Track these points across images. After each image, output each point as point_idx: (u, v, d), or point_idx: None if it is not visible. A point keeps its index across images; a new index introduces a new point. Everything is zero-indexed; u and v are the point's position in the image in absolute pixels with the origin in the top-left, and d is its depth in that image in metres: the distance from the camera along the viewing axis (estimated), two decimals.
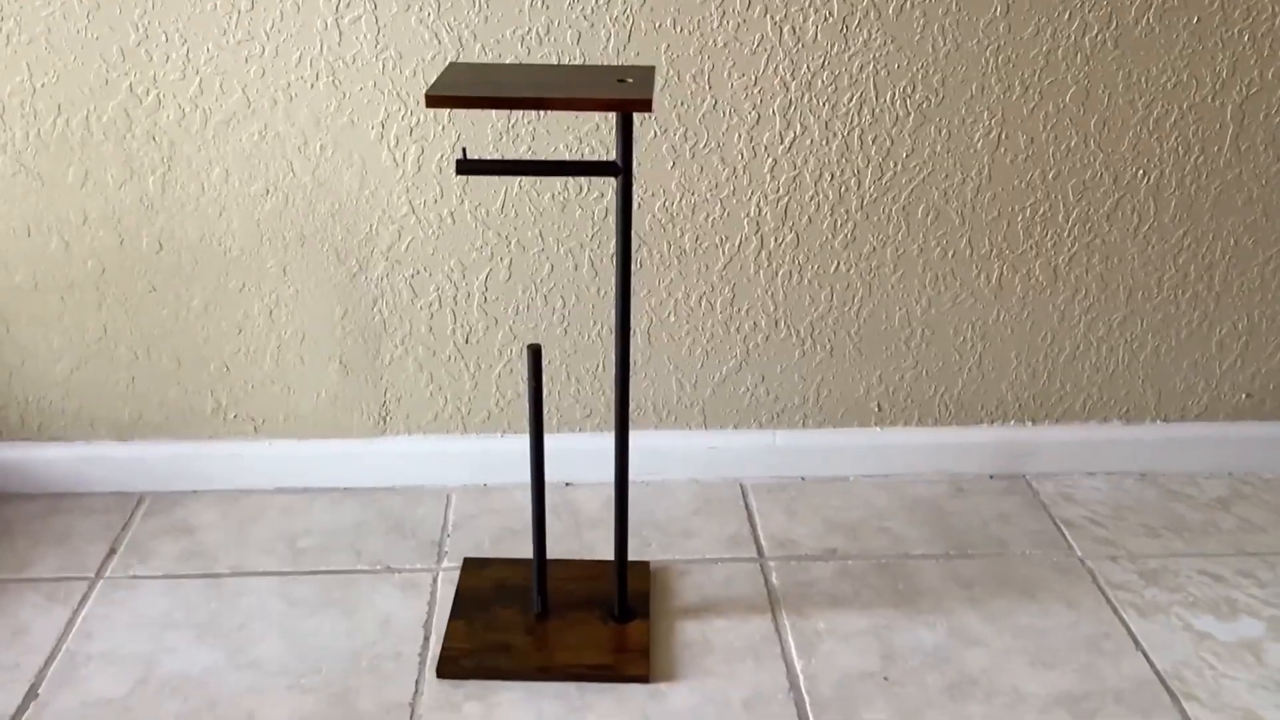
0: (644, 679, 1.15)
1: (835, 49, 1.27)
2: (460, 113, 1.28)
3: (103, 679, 1.15)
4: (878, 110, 1.31)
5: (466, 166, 0.99)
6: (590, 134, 1.30)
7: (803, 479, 1.52)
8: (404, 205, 1.33)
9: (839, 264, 1.39)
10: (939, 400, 1.49)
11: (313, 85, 1.26)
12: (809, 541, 1.39)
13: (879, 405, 1.49)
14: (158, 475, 1.45)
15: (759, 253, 1.38)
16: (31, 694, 1.13)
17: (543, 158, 1.30)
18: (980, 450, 1.51)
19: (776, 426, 1.50)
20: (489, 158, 1.30)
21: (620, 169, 1.00)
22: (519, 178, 1.31)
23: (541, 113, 1.27)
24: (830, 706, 1.13)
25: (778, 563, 1.35)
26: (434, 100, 0.92)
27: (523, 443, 1.47)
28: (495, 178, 1.31)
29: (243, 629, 1.22)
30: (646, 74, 1.01)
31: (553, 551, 1.35)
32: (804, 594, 1.29)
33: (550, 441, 1.45)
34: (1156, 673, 1.18)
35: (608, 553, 1.35)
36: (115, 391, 1.41)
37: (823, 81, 1.29)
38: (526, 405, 1.03)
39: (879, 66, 1.29)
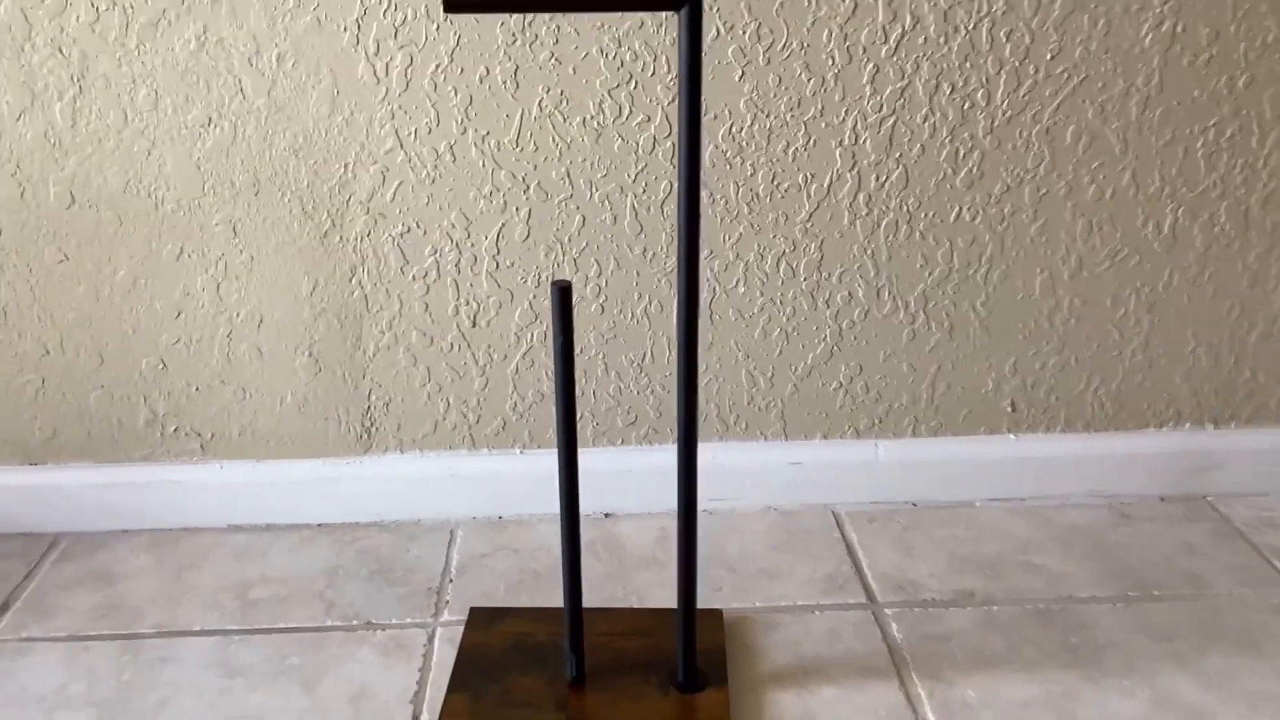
0: None
1: None
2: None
3: None
4: None
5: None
6: (632, 33, 0.98)
7: (913, 505, 1.16)
8: (388, 137, 1.01)
9: (961, 210, 1.06)
10: (1092, 397, 1.14)
11: None
12: (934, 583, 1.03)
13: (1013, 404, 1.14)
14: (76, 511, 1.12)
15: (855, 196, 1.05)
16: None
17: (569, 62, 0.99)
18: (1147, 465, 1.15)
19: (879, 435, 1.15)
20: (500, 50, 0.98)
21: None
22: (534, 107, 1.00)
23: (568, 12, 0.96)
24: None
25: (897, 610, 0.99)
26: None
27: (548, 461, 1.12)
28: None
29: (162, 708, 0.87)
30: None
31: (590, 600, 1.00)
32: (939, 651, 0.93)
33: (585, 458, 1.10)
34: None
35: (664, 599, 1.00)
36: (20, 400, 1.09)
37: None
38: (555, 409, 0.70)
39: None
